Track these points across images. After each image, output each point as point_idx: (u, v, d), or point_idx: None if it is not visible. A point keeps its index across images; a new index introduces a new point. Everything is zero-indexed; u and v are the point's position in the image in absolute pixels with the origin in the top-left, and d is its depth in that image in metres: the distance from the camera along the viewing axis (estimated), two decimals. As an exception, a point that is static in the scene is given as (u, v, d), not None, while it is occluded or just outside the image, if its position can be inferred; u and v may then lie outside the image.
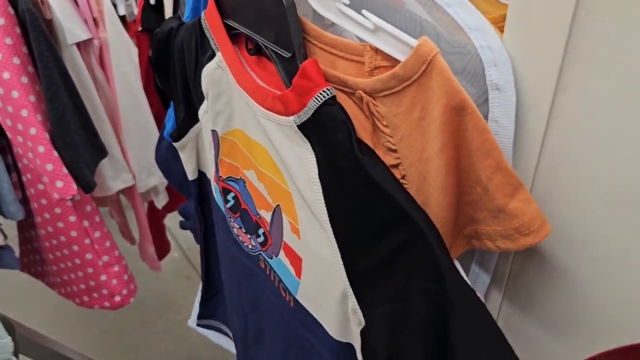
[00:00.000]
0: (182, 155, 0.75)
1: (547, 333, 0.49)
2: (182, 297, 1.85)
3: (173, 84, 0.71)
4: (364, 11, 0.44)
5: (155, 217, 1.24)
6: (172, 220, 1.32)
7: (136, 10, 1.22)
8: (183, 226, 0.91)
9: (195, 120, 0.69)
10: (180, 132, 0.72)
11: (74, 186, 0.86)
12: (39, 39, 0.81)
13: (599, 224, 0.42)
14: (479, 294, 0.47)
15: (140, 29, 1.13)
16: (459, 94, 0.39)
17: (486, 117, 0.43)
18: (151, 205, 1.23)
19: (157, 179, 1.08)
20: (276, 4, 0.49)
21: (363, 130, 0.47)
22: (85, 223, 0.95)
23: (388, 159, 0.46)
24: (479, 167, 0.41)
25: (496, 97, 0.42)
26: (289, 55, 0.50)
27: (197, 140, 0.73)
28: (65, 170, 0.85)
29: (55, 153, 0.84)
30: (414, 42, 0.40)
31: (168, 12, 1.02)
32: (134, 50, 1.01)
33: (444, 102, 0.40)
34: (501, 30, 0.45)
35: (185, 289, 1.89)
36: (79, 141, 0.88)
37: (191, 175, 0.75)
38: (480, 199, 0.43)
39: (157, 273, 1.25)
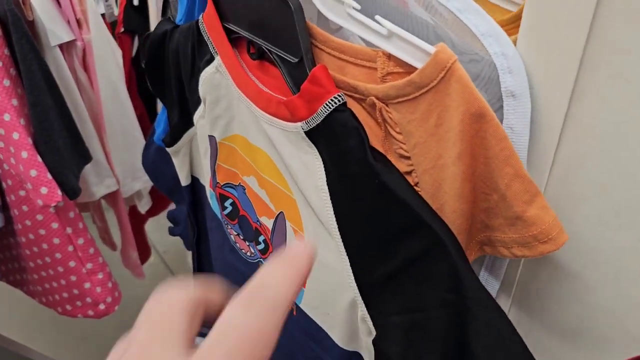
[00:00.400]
0: (176, 161, 0.73)
1: (558, 339, 0.49)
2: (161, 302, 1.81)
3: (167, 88, 0.69)
4: (377, 17, 0.43)
5: (136, 222, 1.21)
6: (147, 224, 1.30)
7: (116, 11, 1.19)
8: (172, 232, 0.89)
9: (190, 125, 0.68)
10: (173, 136, 0.70)
11: (59, 192, 0.83)
12: (21, 41, 0.79)
13: (612, 230, 0.42)
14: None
15: (122, 29, 1.10)
16: (478, 101, 0.39)
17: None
18: (132, 209, 1.20)
19: (141, 183, 1.06)
20: (282, 7, 0.48)
21: (374, 136, 0.46)
22: (69, 230, 0.92)
23: (400, 166, 0.45)
24: (497, 174, 0.41)
25: (511, 104, 0.42)
26: (296, 60, 0.49)
27: (191, 145, 0.71)
28: (49, 176, 0.82)
29: (39, 158, 0.81)
30: (431, 48, 0.40)
31: (153, 13, 1.00)
32: (118, 52, 0.99)
33: (463, 110, 0.39)
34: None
35: (164, 294, 1.86)
36: (62, 146, 0.86)
37: (184, 180, 0.74)
38: (497, 206, 0.43)
39: (139, 279, 1.23)
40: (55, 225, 0.90)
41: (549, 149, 0.43)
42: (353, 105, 0.47)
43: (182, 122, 0.68)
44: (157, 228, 1.37)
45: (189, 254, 0.88)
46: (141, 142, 1.03)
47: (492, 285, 0.51)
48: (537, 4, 0.40)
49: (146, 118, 1.14)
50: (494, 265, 0.50)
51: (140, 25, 1.07)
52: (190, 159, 0.73)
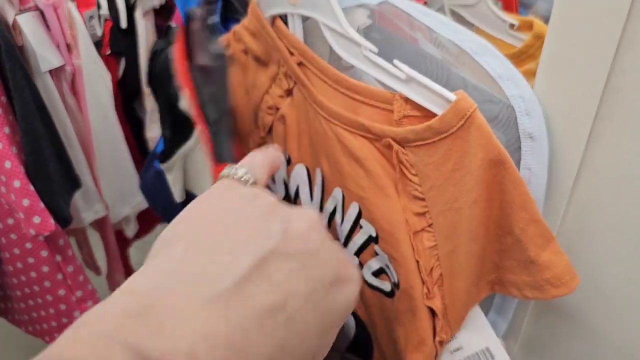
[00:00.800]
0: (169, 177, 0.73)
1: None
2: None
3: (160, 104, 0.70)
4: (395, 61, 0.43)
5: (121, 247, 1.19)
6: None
7: (99, 32, 1.17)
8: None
9: (184, 140, 0.68)
10: (167, 152, 0.70)
11: (52, 221, 0.82)
12: (14, 68, 0.77)
13: (625, 268, 0.43)
14: (491, 331, 0.48)
15: (108, 52, 1.09)
16: (497, 148, 0.40)
17: (518, 164, 0.43)
18: (117, 234, 1.18)
19: (130, 207, 1.04)
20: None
21: (387, 176, 0.46)
22: (58, 257, 0.91)
23: (414, 207, 0.45)
24: (512, 218, 0.42)
25: (529, 146, 0.43)
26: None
27: (185, 161, 0.71)
28: (42, 205, 0.81)
29: (32, 187, 0.80)
30: (451, 95, 0.40)
31: (142, 37, 0.98)
32: (108, 77, 0.97)
33: (482, 156, 0.40)
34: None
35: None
36: (54, 173, 0.84)
37: (179, 197, 0.73)
38: (510, 249, 0.43)
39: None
40: (44, 253, 0.89)
41: (565, 188, 0.44)
42: (366, 145, 0.47)
43: (175, 138, 0.68)
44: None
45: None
46: (131, 166, 1.02)
47: (500, 326, 0.51)
48: (555, 49, 0.41)
49: (132, 141, 1.12)
50: (503, 307, 0.51)
51: (127, 48, 1.05)
52: (185, 173, 0.73)
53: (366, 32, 0.50)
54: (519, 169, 0.42)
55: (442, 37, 0.48)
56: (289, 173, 0.56)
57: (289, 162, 0.56)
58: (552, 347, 0.50)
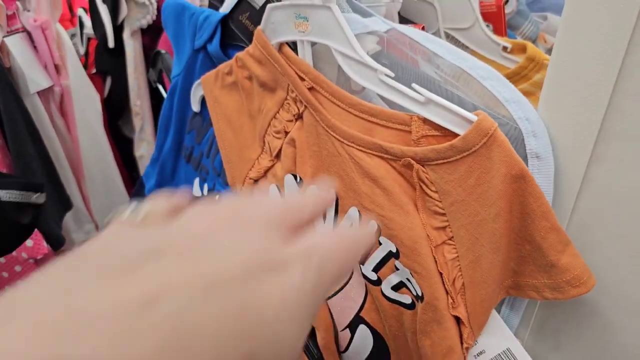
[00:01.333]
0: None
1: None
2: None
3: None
4: (414, 85, 0.46)
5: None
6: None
7: (82, 51, 1.17)
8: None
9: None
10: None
11: (45, 244, 0.81)
12: (4, 90, 0.77)
13: (626, 272, 0.46)
14: (509, 331, 0.50)
15: (94, 71, 1.09)
16: (519, 163, 0.43)
17: (526, 182, 0.46)
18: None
19: (119, 227, 1.04)
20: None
21: (404, 194, 0.49)
22: (48, 280, 0.89)
23: (434, 222, 0.48)
24: (533, 228, 0.45)
25: (536, 165, 0.46)
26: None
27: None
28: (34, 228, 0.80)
29: (24, 210, 0.79)
30: (472, 116, 0.43)
31: (130, 57, 0.98)
32: (97, 97, 0.97)
33: (504, 172, 0.43)
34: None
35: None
36: (45, 195, 0.83)
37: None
38: (530, 255, 0.46)
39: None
40: (34, 276, 0.87)
41: (568, 203, 0.47)
42: (382, 165, 0.49)
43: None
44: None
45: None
46: (120, 184, 1.02)
47: (512, 321, 0.54)
48: (558, 72, 0.44)
49: (118, 158, 1.12)
50: (515, 302, 0.53)
51: (115, 67, 1.05)
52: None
53: (375, 58, 0.53)
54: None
55: (449, 63, 0.51)
56: (300, 194, 0.58)
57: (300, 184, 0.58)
58: (561, 341, 0.53)
